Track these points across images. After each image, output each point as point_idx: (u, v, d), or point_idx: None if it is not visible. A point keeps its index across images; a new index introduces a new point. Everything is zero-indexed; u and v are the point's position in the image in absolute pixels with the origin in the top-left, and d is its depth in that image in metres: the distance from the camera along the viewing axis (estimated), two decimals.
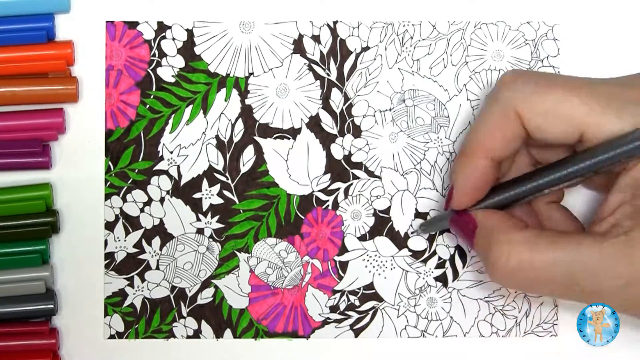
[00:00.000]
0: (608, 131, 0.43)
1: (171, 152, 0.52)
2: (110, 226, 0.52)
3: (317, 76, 0.52)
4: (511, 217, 0.46)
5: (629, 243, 0.42)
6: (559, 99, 0.44)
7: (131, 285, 0.52)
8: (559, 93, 0.44)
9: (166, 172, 0.52)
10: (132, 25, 0.52)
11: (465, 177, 0.47)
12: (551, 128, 0.44)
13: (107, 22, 0.52)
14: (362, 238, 0.52)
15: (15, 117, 0.50)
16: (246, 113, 0.52)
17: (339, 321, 0.52)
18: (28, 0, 0.50)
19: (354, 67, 0.52)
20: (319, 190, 0.52)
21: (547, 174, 0.46)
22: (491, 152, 0.46)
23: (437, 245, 0.52)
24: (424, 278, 0.52)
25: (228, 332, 0.52)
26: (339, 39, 0.52)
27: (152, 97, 0.52)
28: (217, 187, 0.52)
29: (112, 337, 0.52)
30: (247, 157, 0.52)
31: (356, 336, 0.52)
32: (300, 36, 0.52)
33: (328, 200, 0.52)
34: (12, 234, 0.50)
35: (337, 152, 0.52)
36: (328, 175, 0.52)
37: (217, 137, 0.52)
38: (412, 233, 0.52)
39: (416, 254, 0.52)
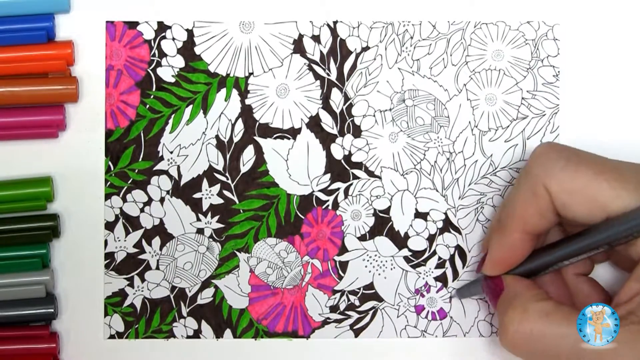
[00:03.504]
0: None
1: (171, 152, 0.52)
2: (110, 226, 0.52)
3: (317, 76, 0.52)
4: (536, 287, 0.47)
5: None
6: (588, 181, 0.44)
7: (131, 285, 0.52)
8: (588, 175, 0.44)
9: (166, 172, 0.52)
10: (132, 25, 0.52)
11: (499, 248, 0.47)
12: (577, 208, 0.45)
13: (107, 22, 0.52)
14: (362, 238, 0.52)
15: (16, 114, 0.50)
16: (246, 113, 0.52)
17: (339, 321, 0.52)
18: (28, 0, 0.50)
19: (354, 67, 0.52)
20: (319, 190, 0.52)
21: (567, 246, 0.47)
22: (525, 226, 0.46)
23: (437, 245, 0.52)
24: (424, 278, 0.52)
25: (228, 332, 0.52)
26: (339, 39, 0.52)
27: (152, 97, 0.52)
28: (217, 187, 0.52)
29: (112, 337, 0.52)
30: (247, 157, 0.52)
31: (356, 336, 0.52)
32: (300, 36, 0.52)
33: (328, 200, 0.52)
34: (12, 238, 0.50)
35: (337, 152, 0.52)
36: (328, 175, 0.52)
37: (217, 137, 0.52)
38: (450, 298, 0.52)
39: (416, 254, 0.52)
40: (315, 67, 0.52)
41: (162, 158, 0.52)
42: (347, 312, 0.52)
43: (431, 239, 0.52)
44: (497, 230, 0.48)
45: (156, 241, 0.52)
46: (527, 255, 0.48)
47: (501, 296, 0.47)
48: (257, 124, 0.52)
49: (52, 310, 0.51)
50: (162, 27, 0.52)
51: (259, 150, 0.52)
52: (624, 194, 0.44)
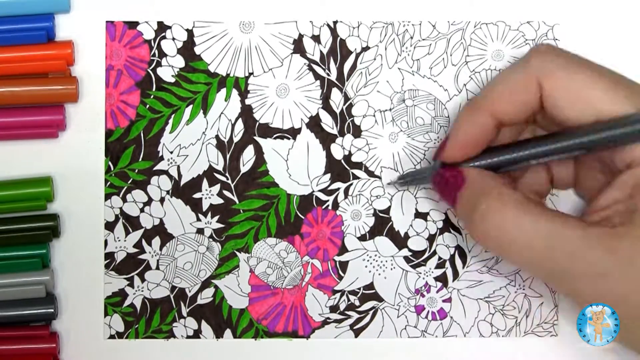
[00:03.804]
0: None
1: (171, 152, 0.52)
2: (110, 226, 0.52)
3: (317, 76, 0.52)
4: (504, 177, 0.46)
5: (614, 236, 0.42)
6: (585, 82, 0.44)
7: (131, 285, 0.52)
8: (586, 76, 0.44)
9: (166, 172, 0.52)
10: (132, 25, 0.52)
11: (466, 129, 0.46)
12: (569, 107, 0.44)
13: (107, 22, 0.52)
14: (362, 238, 0.52)
15: (16, 114, 0.50)
16: (246, 113, 0.52)
17: (339, 321, 0.52)
18: (28, 0, 0.50)
19: (354, 67, 0.52)
20: (319, 190, 0.52)
21: (550, 141, 0.46)
22: (499, 112, 0.45)
23: (437, 245, 0.52)
24: (424, 278, 0.52)
25: (228, 332, 0.52)
26: (339, 39, 0.52)
27: (152, 97, 0.52)
28: (217, 187, 0.52)
29: (112, 337, 0.52)
30: (247, 157, 0.52)
31: (356, 336, 0.52)
32: (300, 36, 0.52)
33: (328, 200, 0.52)
34: (12, 238, 0.50)
35: (337, 152, 0.52)
36: (328, 175, 0.52)
37: (217, 137, 0.52)
38: (388, 184, 0.52)
39: (416, 254, 0.52)
40: (315, 67, 0.52)
41: (162, 158, 0.52)
42: (347, 312, 0.52)
43: (431, 239, 0.52)
44: (467, 111, 0.46)
45: (156, 241, 0.52)
46: (485, 145, 0.46)
47: (464, 188, 0.46)
48: (257, 124, 0.52)
49: (52, 310, 0.51)
50: (162, 27, 0.52)
51: (259, 150, 0.52)
52: (617, 100, 0.43)
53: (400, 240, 0.52)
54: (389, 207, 0.52)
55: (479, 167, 0.47)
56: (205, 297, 0.52)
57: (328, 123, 0.52)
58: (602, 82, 0.44)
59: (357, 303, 0.52)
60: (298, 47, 0.52)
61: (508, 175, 0.48)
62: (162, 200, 0.52)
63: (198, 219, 0.52)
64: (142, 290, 0.52)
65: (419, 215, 0.52)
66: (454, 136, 0.47)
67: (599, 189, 0.45)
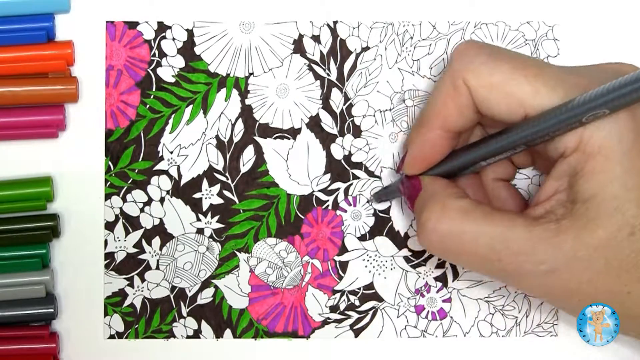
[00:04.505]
0: None
1: (171, 152, 0.52)
2: (110, 226, 0.52)
3: (317, 76, 0.52)
4: (455, 186, 0.46)
5: (558, 231, 0.42)
6: (507, 76, 0.44)
7: (131, 285, 0.52)
8: (507, 69, 0.44)
9: (166, 172, 0.52)
10: (132, 25, 0.52)
11: (418, 145, 0.47)
12: (496, 103, 0.44)
13: (107, 22, 0.52)
14: (362, 238, 0.52)
15: (16, 114, 0.50)
16: (246, 113, 0.52)
17: (339, 321, 0.52)
18: (28, 0, 0.50)
19: (354, 67, 0.52)
20: (319, 190, 0.52)
21: (485, 145, 0.46)
22: (445, 122, 0.46)
23: None
24: (424, 278, 0.52)
25: (228, 332, 0.52)
26: (339, 39, 0.52)
27: (152, 97, 0.52)
28: (217, 187, 0.52)
29: (112, 337, 0.52)
30: (247, 157, 0.52)
31: (356, 336, 0.52)
32: (300, 36, 0.52)
33: (328, 200, 0.52)
34: (12, 238, 0.50)
35: (337, 152, 0.52)
36: (328, 175, 0.52)
37: (217, 137, 0.52)
38: (368, 201, 0.52)
39: (416, 254, 0.52)
40: (315, 67, 0.52)
41: (162, 158, 0.52)
42: (347, 312, 0.52)
43: None
44: (417, 127, 0.47)
45: (156, 241, 0.52)
46: (446, 153, 0.47)
47: (419, 196, 0.47)
48: (257, 124, 0.52)
49: (52, 310, 0.51)
50: (162, 27, 0.52)
51: (259, 150, 0.52)
52: (543, 90, 0.43)
53: (400, 240, 0.52)
54: (389, 207, 0.52)
55: (436, 174, 0.47)
56: (205, 297, 0.52)
57: (328, 123, 0.52)
58: (526, 74, 0.43)
59: (357, 303, 0.52)
60: (298, 47, 0.52)
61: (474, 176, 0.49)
62: (162, 200, 0.52)
63: (198, 219, 0.52)
64: (142, 290, 0.52)
65: None
66: (409, 152, 0.47)
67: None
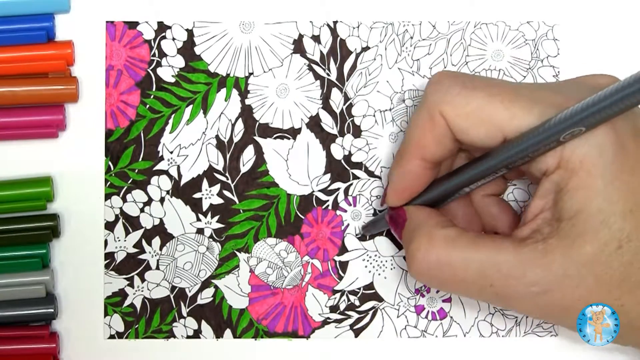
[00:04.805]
0: None
1: (171, 152, 0.52)
2: (110, 226, 0.52)
3: (317, 76, 0.52)
4: (439, 214, 0.46)
5: (546, 251, 0.42)
6: (482, 103, 0.43)
7: (131, 285, 0.52)
8: (482, 97, 0.43)
9: (166, 172, 0.52)
10: (132, 25, 0.52)
11: (399, 176, 0.47)
12: (474, 131, 0.44)
13: (107, 22, 0.52)
14: (362, 238, 0.52)
15: (16, 114, 0.50)
16: (246, 113, 0.52)
17: (339, 321, 0.52)
18: (28, 0, 0.50)
19: (354, 67, 0.52)
20: (319, 190, 0.52)
21: (465, 172, 0.46)
22: (423, 153, 0.46)
23: None
24: None
25: (228, 332, 0.52)
26: (339, 39, 0.52)
27: (152, 97, 0.52)
28: (217, 187, 0.52)
29: (112, 337, 0.52)
30: (247, 157, 0.52)
31: (356, 336, 0.52)
32: (300, 36, 0.52)
33: (328, 200, 0.52)
34: (12, 238, 0.50)
35: (337, 152, 0.52)
36: (328, 175, 0.52)
37: (217, 137, 0.52)
38: (357, 235, 0.52)
39: None
40: (315, 67, 0.52)
41: (162, 158, 0.52)
42: (347, 312, 0.52)
43: None
44: (397, 159, 0.47)
45: (156, 241, 0.52)
46: (428, 183, 0.47)
47: (405, 226, 0.46)
48: (257, 124, 0.52)
49: (52, 310, 0.51)
50: (162, 27, 0.52)
51: (259, 150, 0.52)
52: (519, 113, 0.43)
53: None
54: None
55: (421, 203, 0.47)
56: (205, 297, 0.52)
57: (328, 123, 0.52)
58: (502, 99, 0.43)
59: (357, 303, 0.52)
60: (298, 47, 0.52)
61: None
62: (162, 200, 0.52)
63: (198, 219, 0.52)
64: (142, 290, 0.52)
65: None
66: (390, 184, 0.47)
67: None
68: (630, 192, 0.42)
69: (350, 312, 0.52)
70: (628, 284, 0.42)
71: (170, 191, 0.52)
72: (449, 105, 0.44)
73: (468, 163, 0.46)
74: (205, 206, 0.52)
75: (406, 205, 0.47)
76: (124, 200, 0.52)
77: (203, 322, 0.52)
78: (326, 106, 0.52)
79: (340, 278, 0.52)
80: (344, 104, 0.52)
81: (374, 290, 0.52)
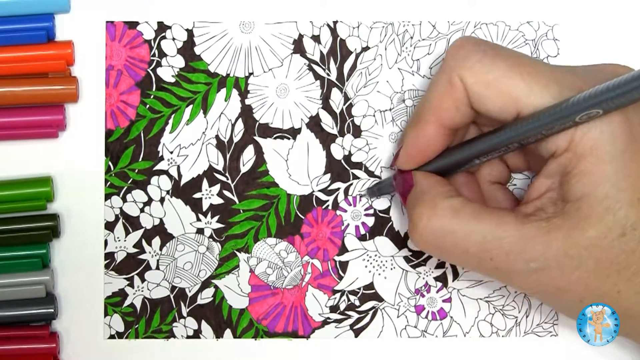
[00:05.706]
0: None
1: (171, 152, 0.52)
2: (110, 226, 0.52)
3: (317, 76, 0.52)
4: (446, 183, 0.46)
5: (549, 229, 0.42)
6: (502, 73, 0.44)
7: (131, 285, 0.52)
8: (503, 67, 0.44)
9: (166, 172, 0.52)
10: (132, 25, 0.52)
11: (413, 140, 0.47)
12: (490, 100, 0.44)
13: (107, 22, 0.52)
14: (362, 238, 0.52)
15: (16, 114, 0.50)
16: (246, 113, 0.52)
17: (339, 321, 0.52)
18: (28, 0, 0.50)
19: (354, 67, 0.52)
20: (319, 190, 0.52)
21: (478, 143, 0.46)
22: (441, 118, 0.45)
23: None
24: (424, 278, 0.52)
25: (228, 332, 0.52)
26: (339, 39, 0.52)
27: (152, 97, 0.52)
28: (217, 187, 0.52)
29: (112, 337, 0.52)
30: (247, 157, 0.52)
31: (356, 336, 0.52)
32: (300, 36, 0.52)
33: (328, 200, 0.52)
34: (12, 238, 0.50)
35: (337, 152, 0.52)
36: (328, 175, 0.52)
37: (217, 137, 0.52)
38: (360, 195, 0.52)
39: (416, 254, 0.52)
40: (315, 67, 0.52)
41: (162, 158, 0.52)
42: (347, 312, 0.52)
43: None
44: (413, 122, 0.47)
45: (156, 241, 0.52)
46: (441, 149, 0.47)
47: (411, 192, 0.47)
48: (257, 124, 0.52)
49: (52, 310, 0.51)
50: (162, 27, 0.52)
51: (259, 150, 0.52)
52: (536, 88, 0.43)
53: (400, 240, 0.52)
54: (389, 207, 0.52)
55: (429, 170, 0.47)
56: (205, 297, 0.52)
57: (328, 123, 0.52)
58: (521, 71, 0.43)
59: (357, 303, 0.52)
60: (298, 47, 0.52)
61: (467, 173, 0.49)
62: (162, 200, 0.52)
63: (198, 219, 0.52)
64: (142, 290, 0.52)
65: None
66: (404, 147, 0.47)
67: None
68: (639, 182, 0.42)
69: (350, 312, 0.52)
70: (627, 272, 0.42)
71: (170, 191, 0.52)
72: (468, 72, 0.44)
73: (480, 135, 0.46)
74: (205, 206, 0.52)
75: (414, 171, 0.47)
76: (124, 200, 0.52)
77: (203, 322, 0.52)
78: (326, 106, 0.52)
79: (340, 278, 0.52)
80: (344, 104, 0.52)
81: (374, 290, 0.52)
